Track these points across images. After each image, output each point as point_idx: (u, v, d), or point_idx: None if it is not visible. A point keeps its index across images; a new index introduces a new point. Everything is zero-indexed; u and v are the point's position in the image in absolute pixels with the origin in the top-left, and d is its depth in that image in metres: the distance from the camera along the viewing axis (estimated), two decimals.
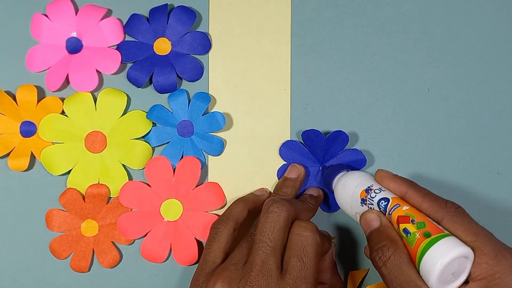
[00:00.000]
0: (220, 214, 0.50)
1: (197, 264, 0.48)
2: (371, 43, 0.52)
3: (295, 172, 0.49)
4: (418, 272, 0.38)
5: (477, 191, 0.50)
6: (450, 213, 0.39)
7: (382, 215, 0.42)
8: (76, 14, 0.51)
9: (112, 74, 0.52)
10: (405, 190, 0.42)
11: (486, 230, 0.38)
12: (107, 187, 0.50)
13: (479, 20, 0.52)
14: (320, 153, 0.50)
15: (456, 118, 0.51)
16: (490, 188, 0.50)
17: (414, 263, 0.38)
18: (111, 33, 0.51)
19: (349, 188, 0.45)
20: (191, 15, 0.51)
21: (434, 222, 0.39)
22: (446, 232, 0.38)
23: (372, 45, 0.52)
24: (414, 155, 0.51)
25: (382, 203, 0.42)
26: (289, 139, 0.51)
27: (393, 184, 0.43)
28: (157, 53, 0.51)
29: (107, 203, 0.51)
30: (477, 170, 0.50)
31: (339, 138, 0.50)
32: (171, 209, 0.50)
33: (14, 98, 0.51)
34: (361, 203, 0.44)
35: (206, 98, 0.50)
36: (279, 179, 0.50)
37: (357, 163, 0.50)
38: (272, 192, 0.50)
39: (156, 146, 0.51)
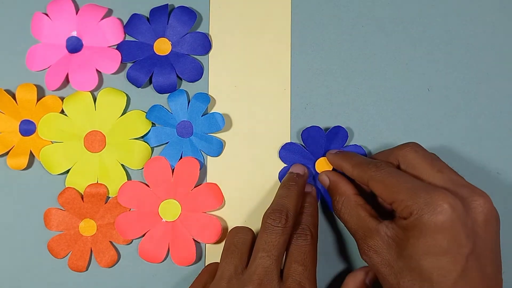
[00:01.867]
0: (219, 214, 0.50)
1: (194, 265, 0.49)
2: (371, 43, 0.52)
3: (301, 169, 0.49)
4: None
5: None
6: (373, 175, 0.43)
7: (331, 173, 0.49)
8: (76, 13, 0.52)
9: (112, 74, 0.52)
10: (340, 164, 0.48)
11: (406, 178, 0.42)
12: (106, 186, 0.50)
13: (479, 20, 0.52)
14: (320, 152, 0.50)
15: (456, 118, 0.51)
16: (490, 188, 0.49)
17: None
18: (112, 32, 0.51)
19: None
20: (191, 16, 0.51)
21: None
22: None
23: (372, 45, 0.52)
24: None
25: None
26: (289, 139, 0.51)
27: (333, 163, 0.49)
28: (157, 53, 0.51)
29: (105, 203, 0.50)
30: (477, 170, 0.50)
31: (339, 134, 0.50)
32: (170, 210, 0.50)
33: (13, 96, 0.51)
34: None
35: (205, 98, 0.50)
36: (280, 182, 0.50)
37: None
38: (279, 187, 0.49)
39: (155, 146, 0.51)
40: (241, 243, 0.46)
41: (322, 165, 0.50)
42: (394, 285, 0.40)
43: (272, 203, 0.46)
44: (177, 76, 0.51)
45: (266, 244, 0.43)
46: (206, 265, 0.49)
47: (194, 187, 0.50)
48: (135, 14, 0.52)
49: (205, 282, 0.46)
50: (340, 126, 0.50)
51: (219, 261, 0.46)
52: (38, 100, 0.51)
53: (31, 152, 0.51)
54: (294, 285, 0.41)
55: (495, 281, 0.40)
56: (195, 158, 0.50)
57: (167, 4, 0.51)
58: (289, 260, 0.43)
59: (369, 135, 0.51)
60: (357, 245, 0.44)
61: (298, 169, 0.49)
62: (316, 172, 0.50)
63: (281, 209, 0.44)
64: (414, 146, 0.45)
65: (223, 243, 0.47)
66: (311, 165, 0.50)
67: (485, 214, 0.40)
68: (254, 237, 0.47)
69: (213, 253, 0.50)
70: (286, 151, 0.50)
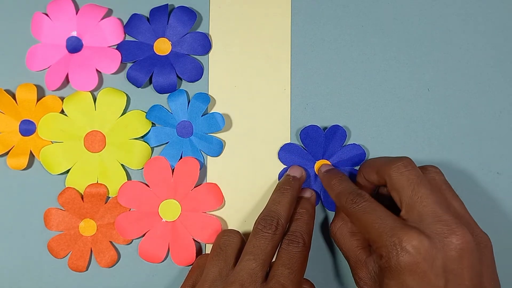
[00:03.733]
0: (219, 214, 0.50)
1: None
2: (371, 43, 0.52)
3: (298, 172, 0.49)
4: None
5: (477, 191, 0.50)
6: (349, 211, 0.44)
7: (338, 184, 0.46)
8: (76, 13, 0.51)
9: (112, 73, 0.52)
10: (326, 188, 0.48)
11: (378, 215, 0.42)
12: (106, 186, 0.50)
13: (479, 20, 0.52)
14: (319, 152, 0.50)
15: (456, 118, 0.51)
16: (490, 188, 0.49)
17: None
18: (112, 32, 0.51)
19: None
20: (191, 16, 0.51)
21: None
22: None
23: (372, 45, 0.52)
24: (414, 155, 0.50)
25: None
26: (289, 139, 0.51)
27: (323, 183, 0.49)
28: (157, 53, 0.51)
29: (105, 203, 0.50)
30: (477, 170, 0.50)
31: (337, 133, 0.50)
32: (170, 210, 0.50)
33: (13, 96, 0.51)
34: None
35: (205, 98, 0.50)
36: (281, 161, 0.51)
37: (357, 157, 0.50)
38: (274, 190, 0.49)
39: (155, 146, 0.51)
40: (227, 245, 0.46)
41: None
42: None
43: (264, 208, 0.46)
44: (177, 76, 0.51)
45: (254, 247, 0.43)
46: (196, 258, 0.49)
47: (194, 187, 0.50)
48: (135, 14, 0.52)
49: (195, 279, 0.46)
50: (338, 125, 0.50)
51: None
52: (38, 100, 0.51)
53: (31, 152, 0.51)
54: (276, 286, 0.41)
55: None
56: (195, 158, 0.50)
57: (167, 4, 0.51)
58: (276, 263, 0.43)
59: (369, 135, 0.51)
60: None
61: (295, 171, 0.49)
62: (315, 173, 0.50)
63: (272, 215, 0.45)
64: (402, 166, 0.43)
65: None
66: (311, 166, 0.50)
67: (459, 250, 0.39)
68: (242, 240, 0.47)
69: None
70: (285, 152, 0.50)
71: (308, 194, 0.49)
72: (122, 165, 0.51)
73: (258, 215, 0.45)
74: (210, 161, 0.51)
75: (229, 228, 0.50)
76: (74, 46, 0.51)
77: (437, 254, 0.39)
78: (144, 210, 0.50)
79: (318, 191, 0.50)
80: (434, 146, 0.50)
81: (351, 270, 0.45)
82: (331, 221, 0.49)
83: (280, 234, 0.44)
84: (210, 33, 0.52)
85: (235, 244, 0.46)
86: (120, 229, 0.50)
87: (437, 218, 0.40)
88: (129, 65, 0.52)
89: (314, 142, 0.50)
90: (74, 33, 0.51)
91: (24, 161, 0.50)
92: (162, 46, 0.51)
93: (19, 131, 0.51)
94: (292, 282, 0.42)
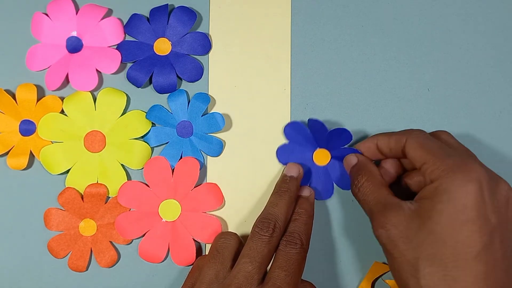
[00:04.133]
0: (219, 214, 0.50)
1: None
2: (371, 43, 0.52)
3: (295, 170, 0.49)
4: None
5: None
6: (411, 135, 0.44)
7: (361, 156, 0.48)
8: (76, 13, 0.51)
9: (112, 73, 0.52)
10: (375, 141, 0.47)
11: (442, 145, 0.43)
12: (106, 186, 0.50)
13: (479, 20, 0.52)
14: (323, 141, 0.49)
15: (456, 118, 0.51)
16: None
17: None
18: (112, 32, 0.51)
19: None
20: (191, 16, 0.51)
21: None
22: None
23: (372, 45, 0.52)
24: None
25: None
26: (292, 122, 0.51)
27: (366, 145, 0.48)
28: (157, 53, 0.51)
29: (105, 203, 0.50)
30: None
31: (342, 136, 0.48)
32: (170, 210, 0.50)
33: (13, 96, 0.51)
34: None
35: (205, 99, 0.50)
36: (279, 160, 0.51)
37: None
38: (272, 192, 0.49)
39: (155, 146, 0.51)
40: (224, 248, 0.46)
41: (321, 155, 0.50)
42: (412, 260, 0.40)
43: (262, 211, 0.46)
44: (177, 76, 0.51)
45: (251, 250, 0.43)
46: (196, 259, 0.49)
47: (194, 187, 0.50)
48: (135, 14, 0.52)
49: (194, 281, 0.46)
50: (344, 129, 0.48)
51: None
52: (38, 100, 0.51)
53: (31, 152, 0.51)
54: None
55: None
56: (195, 158, 0.50)
57: (167, 4, 0.51)
58: (273, 266, 0.43)
59: (369, 135, 0.50)
60: (371, 221, 0.43)
61: (292, 170, 0.49)
62: (314, 162, 0.50)
63: (270, 218, 0.45)
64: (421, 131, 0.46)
65: None
66: (311, 150, 0.50)
67: (507, 197, 0.40)
68: (239, 242, 0.47)
69: None
70: (291, 129, 0.50)
71: (307, 192, 0.49)
72: (122, 165, 0.51)
73: (258, 215, 0.45)
74: (210, 161, 0.51)
75: (229, 228, 0.50)
76: (74, 46, 0.51)
77: (493, 196, 0.39)
78: (144, 210, 0.50)
79: (316, 186, 0.50)
80: None
81: (374, 217, 0.43)
82: (321, 215, 0.49)
83: (278, 236, 0.44)
84: (210, 33, 0.52)
85: (232, 247, 0.46)
86: (120, 229, 0.50)
87: (484, 167, 0.41)
88: (129, 65, 0.52)
89: (318, 133, 0.49)
90: (74, 33, 0.51)
91: (24, 161, 0.50)
92: (162, 46, 0.51)
93: (19, 131, 0.51)
94: (289, 285, 0.42)
